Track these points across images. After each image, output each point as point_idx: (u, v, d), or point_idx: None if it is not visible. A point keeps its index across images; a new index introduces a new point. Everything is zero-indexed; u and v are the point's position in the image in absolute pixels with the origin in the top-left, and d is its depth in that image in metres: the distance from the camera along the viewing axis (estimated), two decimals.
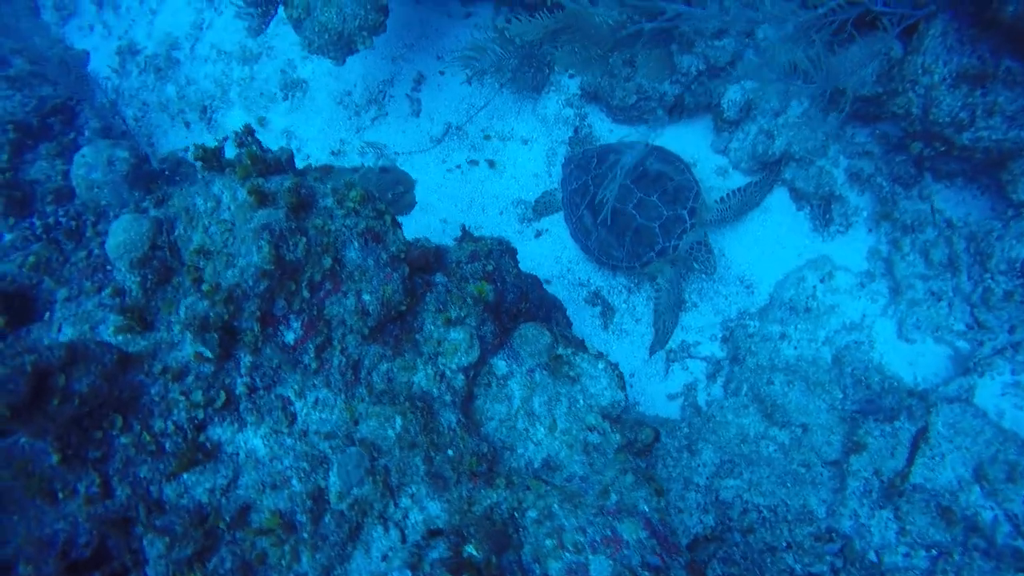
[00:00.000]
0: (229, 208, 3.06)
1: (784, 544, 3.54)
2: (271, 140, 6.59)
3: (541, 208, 5.22)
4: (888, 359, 4.00)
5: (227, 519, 2.77)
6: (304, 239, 2.78)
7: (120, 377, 2.79)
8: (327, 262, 2.83)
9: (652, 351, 4.78)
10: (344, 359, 2.97)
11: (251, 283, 2.69)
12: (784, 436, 3.99)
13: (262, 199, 2.88)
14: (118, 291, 3.59)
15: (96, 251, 4.06)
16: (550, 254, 5.21)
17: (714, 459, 3.98)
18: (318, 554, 2.70)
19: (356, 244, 2.93)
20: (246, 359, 2.88)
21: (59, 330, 3.69)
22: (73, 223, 4.40)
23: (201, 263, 2.95)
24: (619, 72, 4.77)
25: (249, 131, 3.27)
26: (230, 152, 3.36)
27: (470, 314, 3.18)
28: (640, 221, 4.40)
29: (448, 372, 3.14)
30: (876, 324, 4.13)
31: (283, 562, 2.72)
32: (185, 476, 2.85)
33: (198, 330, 2.70)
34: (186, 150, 6.95)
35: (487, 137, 5.68)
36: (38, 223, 4.90)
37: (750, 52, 4.41)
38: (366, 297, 2.92)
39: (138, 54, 7.50)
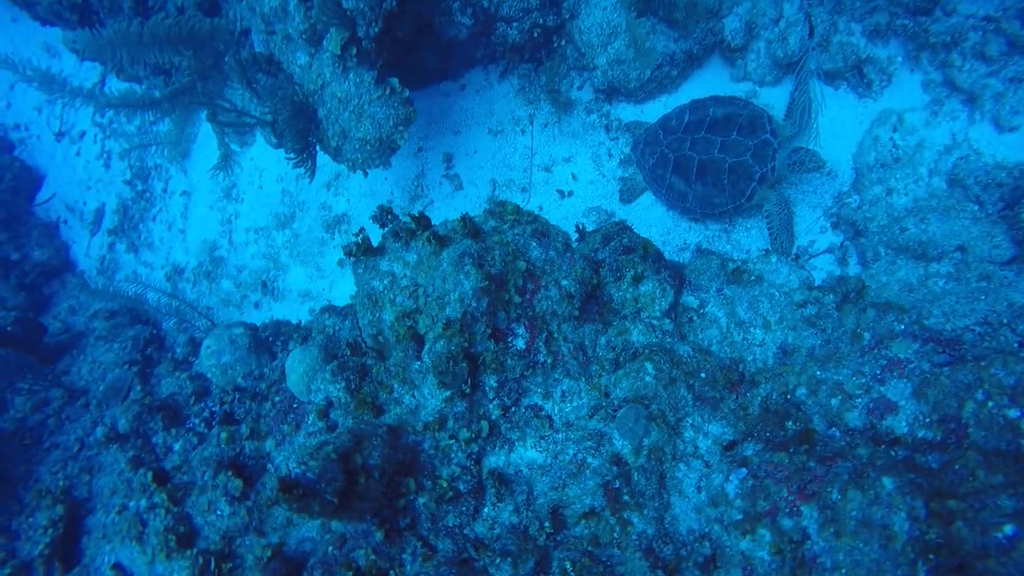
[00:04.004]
0: (405, 275, 3.34)
1: (1016, 344, 3.59)
2: (336, 276, 6.99)
3: (627, 194, 5.52)
4: (1003, 154, 4.19)
5: (546, 526, 2.87)
6: (496, 252, 3.04)
7: (397, 443, 2.97)
8: (521, 265, 3.08)
9: None
10: (570, 345, 3.17)
11: (474, 305, 2.93)
12: (946, 266, 4.11)
13: (441, 241, 3.16)
14: (322, 412, 3.82)
15: (277, 398, 4.30)
16: None
17: None
18: (644, 510, 2.80)
19: (534, 243, 3.19)
20: (491, 381, 3.07)
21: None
22: (252, 395, 4.67)
23: (409, 323, 3.19)
24: (626, 56, 5.22)
25: (386, 210, 3.60)
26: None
27: (646, 267, 3.40)
28: (731, 160, 4.68)
29: (655, 321, 3.33)
30: (971, 134, 4.34)
31: (615, 535, 2.80)
32: (485, 510, 2.98)
33: (448, 365, 2.91)
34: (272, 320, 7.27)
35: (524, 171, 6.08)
36: (197, 420, 5.18)
37: None
38: (564, 283, 3.15)
39: (184, 271, 8.01)
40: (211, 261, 7.80)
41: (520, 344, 3.08)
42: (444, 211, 6.40)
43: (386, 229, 3.60)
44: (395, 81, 5.16)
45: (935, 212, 4.17)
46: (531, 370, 3.10)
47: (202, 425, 5.11)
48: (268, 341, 6.03)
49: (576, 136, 5.90)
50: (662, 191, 5.24)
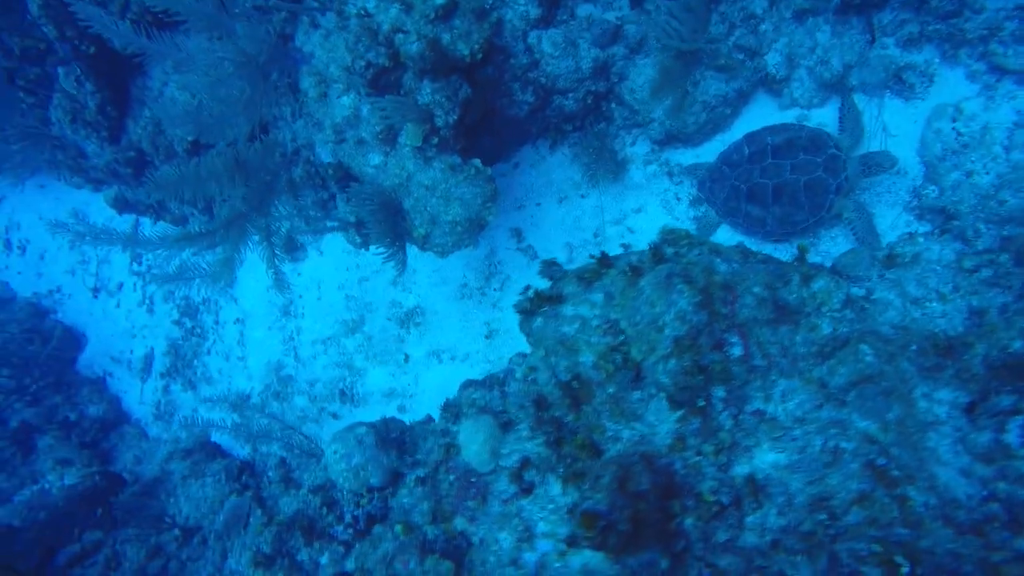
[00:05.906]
0: (595, 316, 3.44)
1: None
2: (420, 369, 6.98)
3: (703, 231, 5.77)
4: None
5: (822, 518, 2.86)
6: (696, 269, 3.18)
7: (653, 467, 2.97)
8: (718, 278, 3.22)
9: None
10: (777, 347, 3.26)
11: (695, 319, 3.03)
12: None
13: (635, 271, 3.29)
14: (515, 475, 3.79)
15: (451, 477, 4.22)
16: None
17: None
18: (917, 482, 2.82)
19: (717, 260, 3.35)
20: (719, 392, 3.13)
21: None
22: (419, 480, 4.56)
23: (620, 356, 3.26)
24: (681, 106, 5.62)
25: (550, 262, 3.74)
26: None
27: (808, 267, 3.57)
28: (806, 178, 4.99)
29: (836, 314, 3.46)
30: None
31: (894, 514, 2.81)
32: (750, 519, 2.96)
33: (686, 380, 2.97)
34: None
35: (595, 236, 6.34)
36: (340, 528, 5.02)
37: (765, 24, 5.41)
38: (756, 289, 3.29)
39: (249, 398, 7.88)
40: (279, 381, 7.71)
41: (737, 351, 3.17)
42: (523, 282, 6.50)
43: (554, 279, 3.73)
44: (478, 161, 5.43)
45: None
46: (752, 375, 3.18)
47: (347, 531, 4.94)
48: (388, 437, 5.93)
49: (641, 188, 6.21)
50: (739, 221, 5.51)
